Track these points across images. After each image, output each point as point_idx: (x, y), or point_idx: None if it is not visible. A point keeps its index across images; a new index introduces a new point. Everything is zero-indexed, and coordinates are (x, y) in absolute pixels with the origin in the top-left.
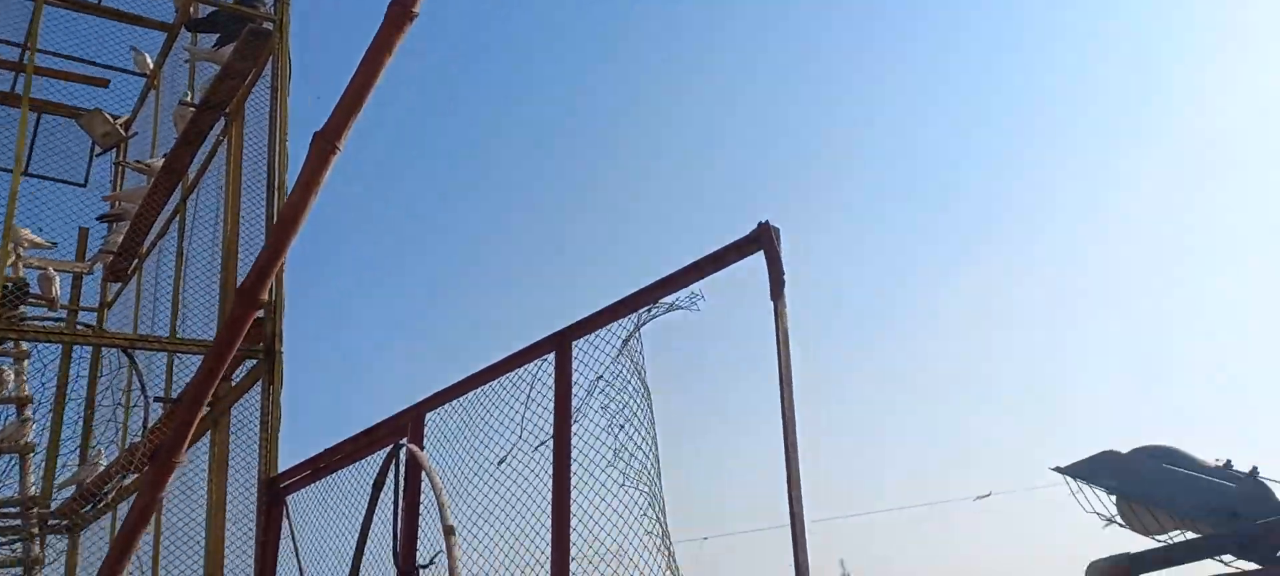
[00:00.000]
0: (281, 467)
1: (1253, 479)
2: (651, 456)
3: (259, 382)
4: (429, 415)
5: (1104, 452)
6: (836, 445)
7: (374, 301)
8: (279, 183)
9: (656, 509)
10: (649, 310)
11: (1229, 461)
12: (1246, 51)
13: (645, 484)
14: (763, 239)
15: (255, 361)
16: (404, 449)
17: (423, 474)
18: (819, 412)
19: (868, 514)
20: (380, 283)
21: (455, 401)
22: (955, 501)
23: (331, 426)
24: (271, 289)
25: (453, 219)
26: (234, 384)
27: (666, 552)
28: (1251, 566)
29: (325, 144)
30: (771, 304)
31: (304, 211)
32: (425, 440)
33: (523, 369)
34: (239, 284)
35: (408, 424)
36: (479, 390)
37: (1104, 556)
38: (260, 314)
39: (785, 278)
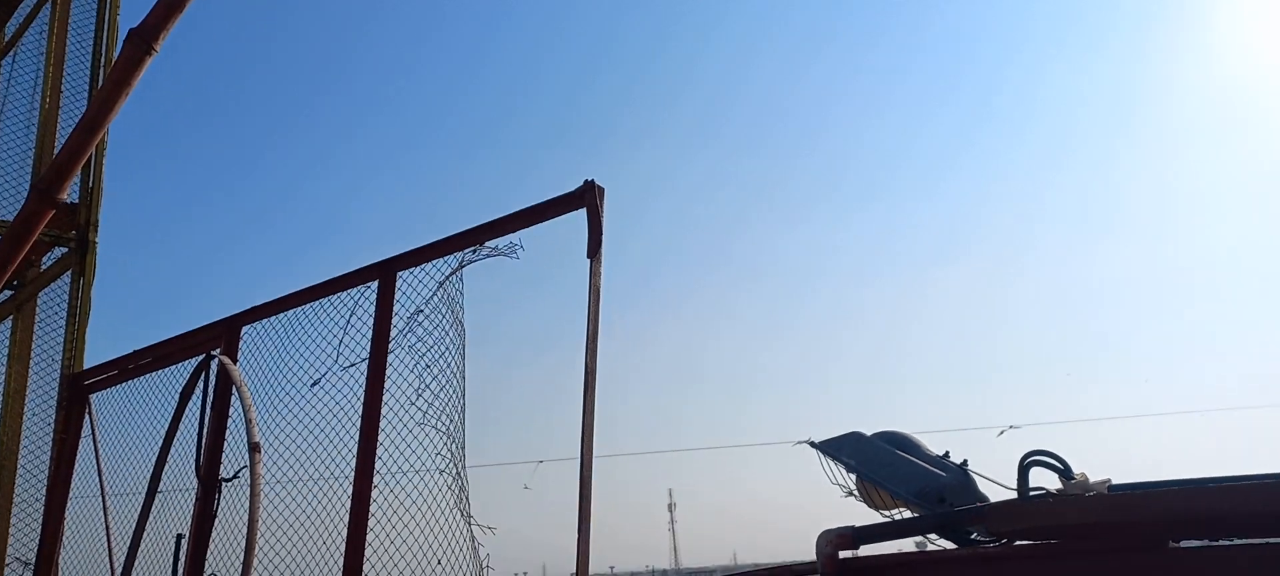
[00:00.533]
0: (89, 364)
1: (962, 470)
2: (457, 394)
3: (69, 272)
4: (246, 328)
5: (851, 432)
6: (650, 388)
7: (227, 195)
8: (107, 60)
9: (454, 445)
10: (473, 251)
11: (948, 453)
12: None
13: (446, 421)
14: (586, 197)
15: (67, 249)
16: (216, 360)
17: (233, 387)
18: (651, 359)
19: (688, 450)
20: (237, 176)
21: (275, 317)
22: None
23: (165, 322)
24: (91, 172)
25: (310, 124)
26: (43, 270)
27: (458, 489)
28: (948, 545)
29: (140, 44)
30: (587, 261)
31: (111, 112)
32: (240, 354)
33: (346, 293)
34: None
35: (222, 334)
36: (300, 309)
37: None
38: (72, 198)
39: (603, 238)
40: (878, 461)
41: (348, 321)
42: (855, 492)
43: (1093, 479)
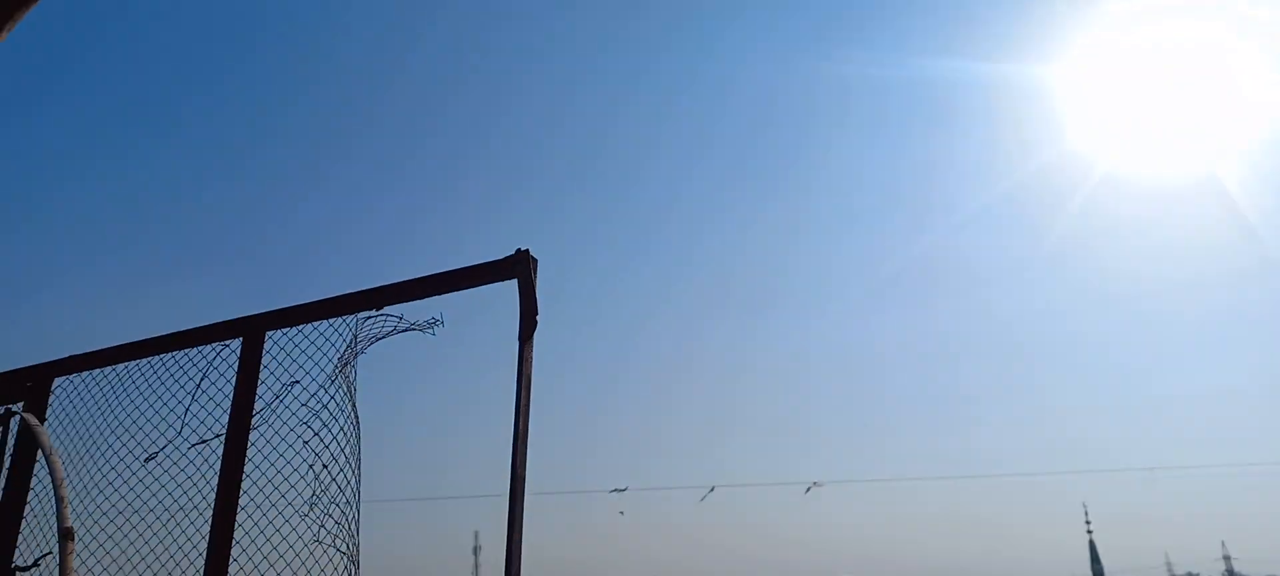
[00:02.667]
0: None
1: None
2: (352, 503)
3: None
4: (60, 380)
5: None
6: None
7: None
8: None
9: (351, 567)
10: (369, 318)
11: None
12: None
13: (345, 543)
14: (518, 267)
15: None
16: (17, 417)
17: (39, 452)
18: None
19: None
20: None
21: (100, 371)
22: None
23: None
24: None
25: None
26: None
27: None
28: None
29: None
30: (517, 345)
31: None
32: (50, 411)
33: (197, 350)
34: None
35: (28, 386)
36: (134, 363)
37: None
38: None
39: (538, 318)
40: None
41: (198, 385)
42: None
43: None
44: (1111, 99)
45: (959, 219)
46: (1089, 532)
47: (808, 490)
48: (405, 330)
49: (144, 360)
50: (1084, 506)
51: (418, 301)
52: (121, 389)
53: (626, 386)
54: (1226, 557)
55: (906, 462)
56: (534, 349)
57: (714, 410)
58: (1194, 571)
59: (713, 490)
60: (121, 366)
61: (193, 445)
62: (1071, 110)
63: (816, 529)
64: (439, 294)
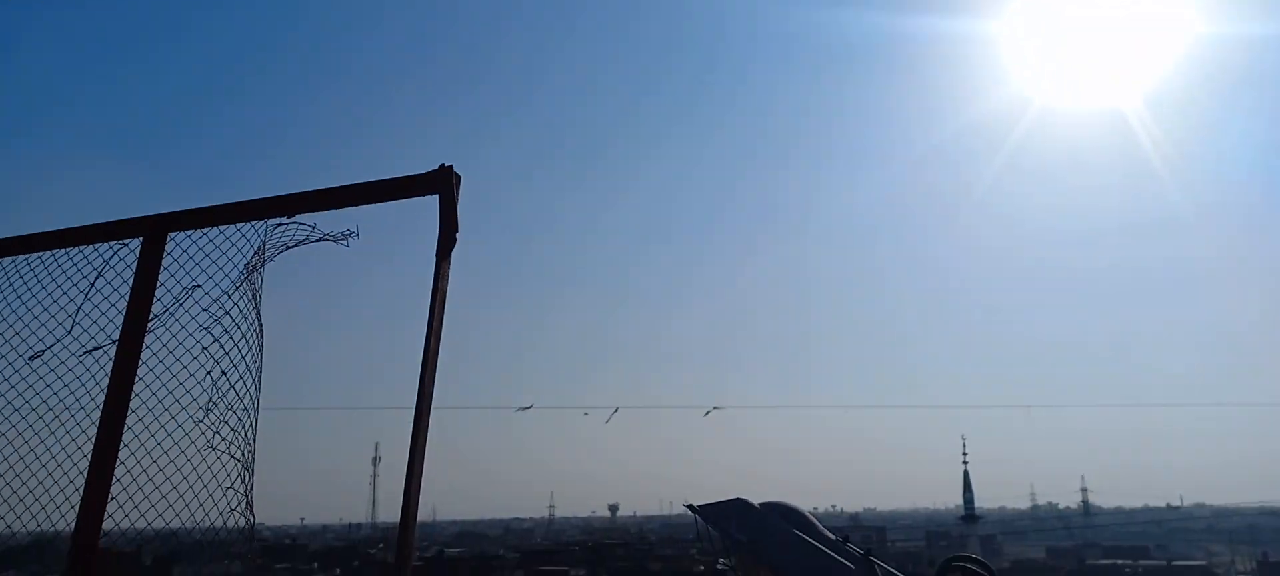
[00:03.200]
0: None
1: (866, 561)
2: (251, 410)
3: None
4: None
5: (736, 499)
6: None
7: None
8: None
9: (244, 474)
10: (280, 225)
11: (847, 536)
12: None
13: (240, 449)
14: (440, 183)
15: None
16: None
17: None
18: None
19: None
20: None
21: None
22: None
23: None
24: None
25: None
26: None
27: (244, 514)
28: None
29: None
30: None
31: None
32: None
33: (94, 249)
34: None
35: None
36: (24, 257)
37: None
38: None
39: (458, 235)
40: (774, 541)
41: (93, 283)
42: (731, 565)
43: None
44: (1045, 53)
45: (892, 166)
46: (965, 464)
47: (707, 413)
48: (318, 240)
49: (36, 254)
50: (963, 439)
51: (333, 211)
52: (8, 284)
53: (546, 307)
54: (1084, 490)
55: (808, 391)
56: (450, 267)
57: (625, 333)
58: (1054, 501)
59: (617, 410)
60: (8, 261)
61: (87, 351)
62: (1010, 64)
63: (716, 449)
64: (355, 205)
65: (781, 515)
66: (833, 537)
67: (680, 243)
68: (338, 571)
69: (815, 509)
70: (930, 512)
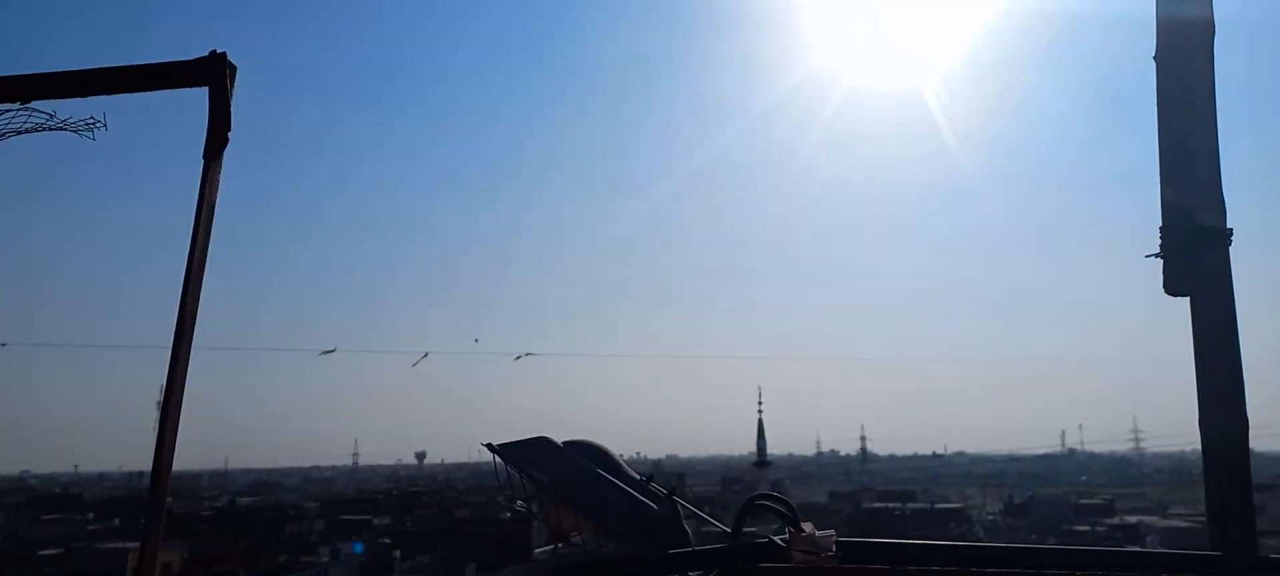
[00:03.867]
0: None
1: (670, 501)
2: None
3: None
4: None
5: (539, 438)
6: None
7: None
8: None
9: None
10: (8, 111)
11: (651, 478)
12: None
13: None
14: (212, 72)
15: None
16: None
17: None
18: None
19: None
20: None
21: None
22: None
23: None
24: None
25: None
26: None
27: None
28: None
29: None
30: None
31: None
32: None
33: None
34: None
35: None
36: None
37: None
38: None
39: (231, 134)
40: (577, 481)
41: None
42: (533, 510)
43: (812, 530)
44: (857, 22)
45: (720, 128)
46: (760, 412)
47: (518, 359)
48: (56, 128)
49: None
50: (759, 390)
51: (78, 99)
52: None
53: (351, 246)
54: (863, 438)
55: (616, 341)
56: (221, 171)
57: (435, 277)
58: (836, 448)
59: (426, 355)
60: None
61: None
62: (823, 30)
63: (526, 397)
64: (108, 93)
65: (586, 454)
66: (637, 477)
67: (493, 185)
68: (117, 521)
69: (621, 454)
70: (727, 459)
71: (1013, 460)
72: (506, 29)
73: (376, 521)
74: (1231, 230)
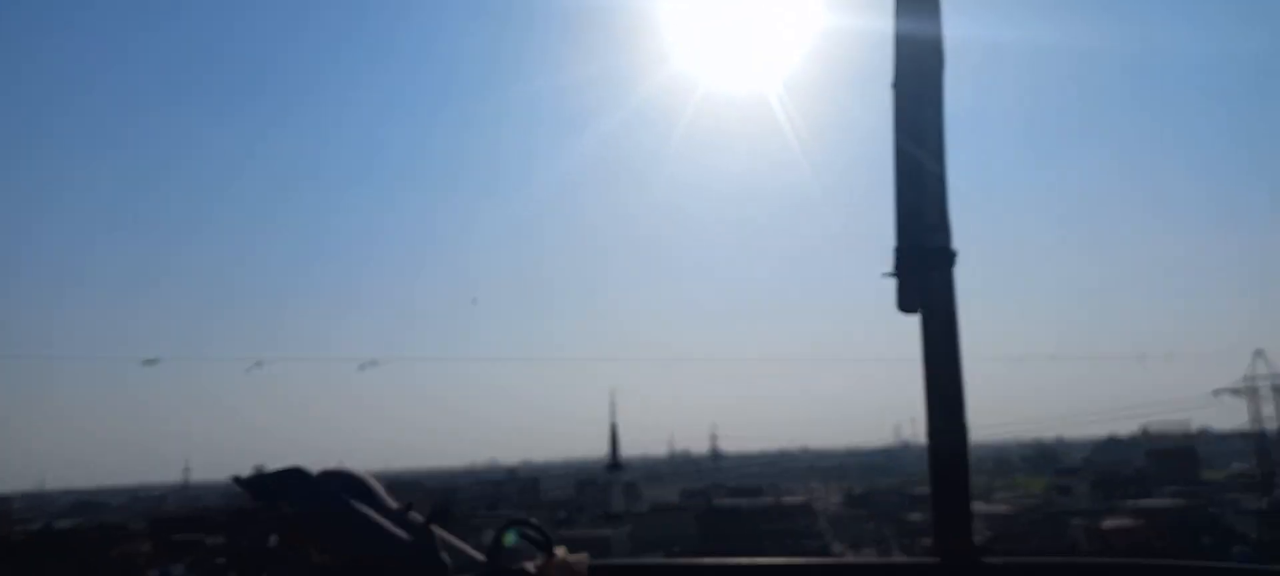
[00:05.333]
0: None
1: (425, 530)
2: None
3: None
4: None
5: (292, 469)
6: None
7: None
8: None
9: None
10: None
11: (411, 506)
12: None
13: None
14: None
15: None
16: None
17: None
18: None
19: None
20: None
21: None
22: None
23: None
24: None
25: None
26: None
27: None
28: None
29: None
30: None
31: None
32: None
33: None
34: None
35: None
36: None
37: None
38: None
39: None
40: (327, 514)
41: None
42: (277, 542)
43: (565, 555)
44: (703, 35)
45: (565, 130)
46: (614, 419)
47: (362, 367)
48: None
49: None
50: (612, 393)
51: None
52: None
53: (177, 248)
54: (714, 437)
55: (469, 344)
56: None
57: (273, 280)
58: (688, 448)
59: (259, 363)
60: None
61: None
62: (680, 34)
63: (377, 405)
64: None
65: (340, 484)
66: (394, 507)
67: (337, 185)
68: None
69: (473, 463)
70: (582, 463)
71: (852, 454)
72: (352, 23)
73: (210, 541)
74: (956, 251)
